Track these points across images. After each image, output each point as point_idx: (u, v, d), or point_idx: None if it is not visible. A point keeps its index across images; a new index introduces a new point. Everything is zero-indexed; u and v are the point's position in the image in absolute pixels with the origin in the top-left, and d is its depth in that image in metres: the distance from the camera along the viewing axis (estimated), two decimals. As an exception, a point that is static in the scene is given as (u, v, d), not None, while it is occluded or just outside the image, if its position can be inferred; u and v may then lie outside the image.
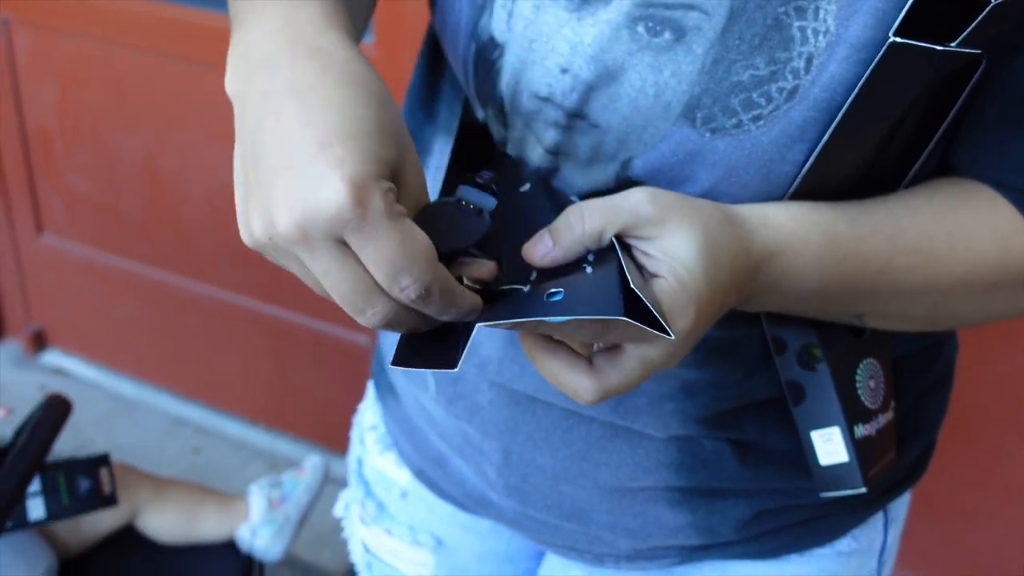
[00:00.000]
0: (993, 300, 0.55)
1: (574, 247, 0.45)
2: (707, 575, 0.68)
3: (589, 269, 0.44)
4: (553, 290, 0.43)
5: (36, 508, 1.14)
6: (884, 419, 0.60)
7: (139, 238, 1.99)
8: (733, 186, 0.50)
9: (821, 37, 0.46)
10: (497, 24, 0.53)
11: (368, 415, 0.83)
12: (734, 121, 0.48)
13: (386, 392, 0.78)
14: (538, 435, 0.63)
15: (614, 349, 0.45)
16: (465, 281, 0.45)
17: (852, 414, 0.57)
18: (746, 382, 0.59)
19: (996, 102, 0.51)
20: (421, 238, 0.40)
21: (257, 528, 1.33)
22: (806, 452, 0.59)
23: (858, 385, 0.58)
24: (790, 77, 0.47)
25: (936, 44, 0.44)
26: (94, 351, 2.24)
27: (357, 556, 0.87)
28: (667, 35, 0.48)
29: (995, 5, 0.43)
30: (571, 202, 0.54)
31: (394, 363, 0.43)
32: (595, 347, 0.46)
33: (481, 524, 0.77)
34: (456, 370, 0.42)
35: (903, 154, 0.53)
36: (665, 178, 0.51)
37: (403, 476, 0.78)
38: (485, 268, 0.45)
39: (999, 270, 0.53)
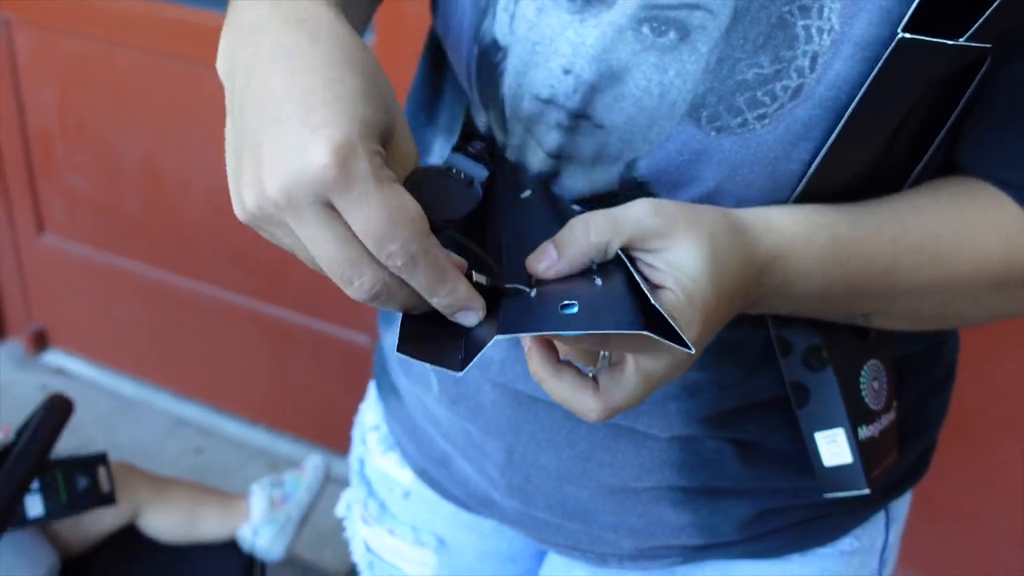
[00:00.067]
0: (999, 299, 0.55)
1: (579, 259, 0.45)
2: (709, 575, 0.68)
3: (598, 280, 0.44)
4: (567, 301, 0.42)
5: (35, 506, 1.14)
6: (887, 420, 0.60)
7: (139, 238, 1.99)
8: (738, 185, 0.50)
9: (826, 35, 0.46)
10: (500, 27, 0.53)
11: (370, 415, 0.83)
12: (739, 120, 0.48)
13: (388, 392, 0.78)
14: (541, 435, 0.63)
15: (617, 366, 0.45)
16: (474, 279, 0.45)
17: (856, 416, 0.57)
18: (748, 382, 0.59)
19: (1000, 100, 0.51)
20: (411, 204, 0.40)
21: (259, 528, 1.33)
22: (810, 453, 0.59)
23: (862, 386, 0.58)
24: (795, 75, 0.47)
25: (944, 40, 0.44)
26: (95, 351, 2.24)
27: (359, 556, 0.87)
28: (672, 35, 0.48)
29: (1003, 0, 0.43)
30: (570, 208, 0.54)
31: (399, 350, 0.42)
32: (601, 355, 0.46)
33: (483, 524, 0.77)
34: (461, 373, 0.42)
35: (908, 153, 0.53)
36: (670, 178, 0.51)
37: (406, 476, 0.78)
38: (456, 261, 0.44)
39: (1005, 268, 0.53)
